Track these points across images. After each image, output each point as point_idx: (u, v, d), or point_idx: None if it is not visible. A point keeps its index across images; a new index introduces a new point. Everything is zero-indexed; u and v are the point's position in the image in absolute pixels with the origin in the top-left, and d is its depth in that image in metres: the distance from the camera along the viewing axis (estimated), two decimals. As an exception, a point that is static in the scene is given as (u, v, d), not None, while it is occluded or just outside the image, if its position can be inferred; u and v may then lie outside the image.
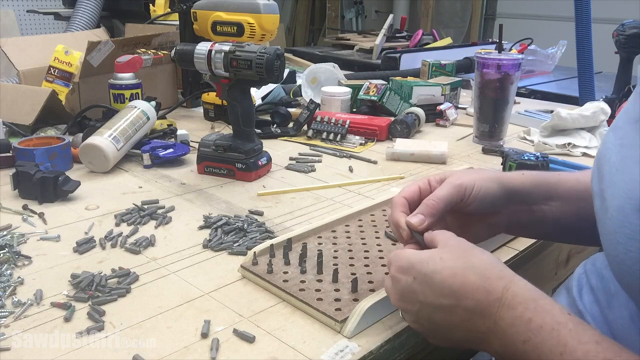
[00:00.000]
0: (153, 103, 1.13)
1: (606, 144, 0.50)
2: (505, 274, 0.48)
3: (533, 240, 0.79)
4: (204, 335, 0.56)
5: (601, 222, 0.48)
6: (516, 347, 0.45)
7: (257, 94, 1.49)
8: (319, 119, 1.25)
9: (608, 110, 1.23)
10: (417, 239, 0.56)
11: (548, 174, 0.65)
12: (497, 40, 1.29)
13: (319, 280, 0.64)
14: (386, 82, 1.48)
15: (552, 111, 1.30)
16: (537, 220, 0.64)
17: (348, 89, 1.41)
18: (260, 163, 1.01)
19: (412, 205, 0.60)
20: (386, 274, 0.56)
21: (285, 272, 0.66)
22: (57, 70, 1.36)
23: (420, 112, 1.32)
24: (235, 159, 1.00)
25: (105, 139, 1.00)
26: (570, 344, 0.43)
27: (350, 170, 1.07)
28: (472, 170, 0.63)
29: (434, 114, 1.40)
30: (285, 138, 1.26)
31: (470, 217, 0.62)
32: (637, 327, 0.49)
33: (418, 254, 0.52)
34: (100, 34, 1.64)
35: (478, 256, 0.50)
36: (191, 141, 1.15)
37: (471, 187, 0.59)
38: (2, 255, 0.69)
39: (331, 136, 1.23)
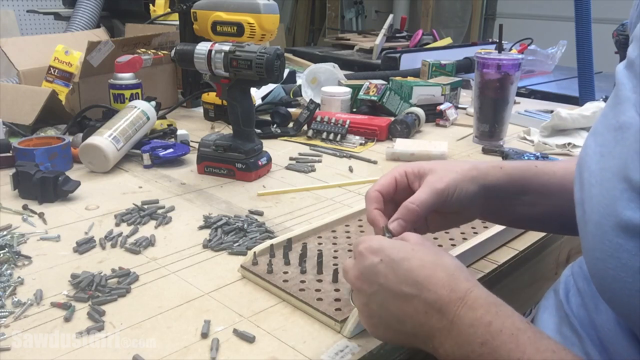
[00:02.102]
0: (153, 103, 1.13)
1: (586, 149, 0.49)
2: (471, 280, 0.48)
3: (533, 240, 0.79)
4: (204, 335, 0.56)
5: (582, 234, 0.47)
6: (472, 349, 0.45)
7: (257, 94, 1.49)
8: (319, 119, 1.25)
9: (608, 110, 1.23)
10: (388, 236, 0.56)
11: (526, 167, 0.63)
12: (497, 40, 1.29)
13: (319, 280, 0.64)
14: (386, 82, 1.48)
15: (552, 111, 1.30)
16: (509, 213, 0.64)
17: (348, 89, 1.41)
18: (260, 163, 1.01)
19: (387, 198, 0.60)
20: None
21: (285, 272, 0.66)
22: (57, 70, 1.36)
23: (420, 112, 1.32)
24: (235, 159, 1.00)
25: (105, 139, 1.00)
26: (528, 351, 0.42)
27: (350, 170, 1.07)
28: (451, 166, 0.60)
29: (434, 114, 1.40)
30: (285, 138, 1.26)
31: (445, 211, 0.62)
32: (623, 331, 0.49)
33: (390, 240, 0.52)
34: (100, 34, 1.64)
35: (449, 258, 0.51)
36: (191, 141, 1.15)
37: (453, 191, 0.58)
38: (2, 255, 0.69)
39: (331, 136, 1.23)
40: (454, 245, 0.74)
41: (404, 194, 0.60)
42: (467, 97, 1.65)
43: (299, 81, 1.62)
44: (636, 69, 0.45)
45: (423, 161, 0.61)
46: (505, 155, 1.05)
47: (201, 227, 0.80)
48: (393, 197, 0.60)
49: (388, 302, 0.49)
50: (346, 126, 1.23)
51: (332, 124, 1.24)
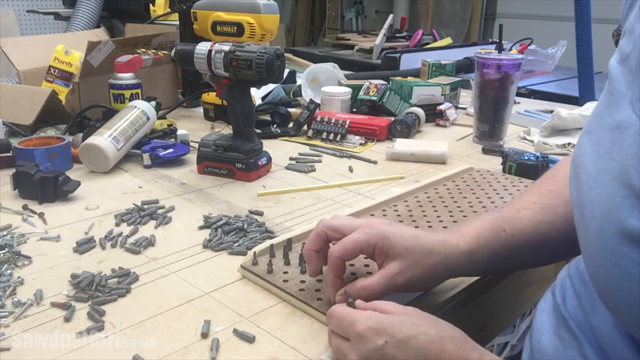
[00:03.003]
0: (153, 103, 1.13)
1: (581, 148, 0.47)
2: (478, 348, 0.48)
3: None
4: (204, 335, 0.56)
5: (582, 238, 0.46)
6: None
7: (257, 94, 1.49)
8: (319, 119, 1.25)
9: (608, 110, 1.23)
10: (349, 304, 0.54)
11: (494, 237, 0.60)
12: (497, 40, 1.29)
13: (319, 280, 0.64)
14: (386, 82, 1.48)
15: (552, 111, 1.30)
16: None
17: (348, 89, 1.41)
18: (260, 163, 1.01)
19: (349, 261, 0.58)
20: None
21: (285, 272, 0.66)
22: (57, 70, 1.36)
23: (420, 112, 1.32)
24: (235, 159, 1.00)
25: (105, 139, 1.00)
26: None
27: (350, 170, 1.07)
28: (419, 257, 0.56)
29: (434, 114, 1.40)
30: (285, 138, 1.26)
31: None
32: (621, 334, 0.48)
33: (388, 317, 0.50)
34: (100, 34, 1.64)
35: (450, 327, 0.50)
36: (191, 141, 1.15)
37: (411, 285, 0.56)
38: (2, 255, 0.69)
39: (331, 136, 1.23)
40: None
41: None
42: (467, 97, 1.65)
43: (299, 81, 1.62)
44: (631, 64, 0.43)
45: (398, 236, 0.56)
46: (505, 155, 1.05)
47: (201, 227, 0.80)
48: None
49: None
50: (346, 126, 1.23)
51: (332, 124, 1.24)
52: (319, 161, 1.12)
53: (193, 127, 1.30)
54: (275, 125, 1.28)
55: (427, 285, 0.60)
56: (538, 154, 1.04)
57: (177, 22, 1.46)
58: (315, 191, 0.96)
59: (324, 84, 1.50)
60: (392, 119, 1.29)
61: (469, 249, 0.59)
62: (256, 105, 1.38)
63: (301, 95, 1.52)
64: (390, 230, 0.57)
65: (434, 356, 0.47)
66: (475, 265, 0.60)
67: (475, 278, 0.69)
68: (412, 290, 0.59)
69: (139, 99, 1.22)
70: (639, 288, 0.38)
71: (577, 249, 0.48)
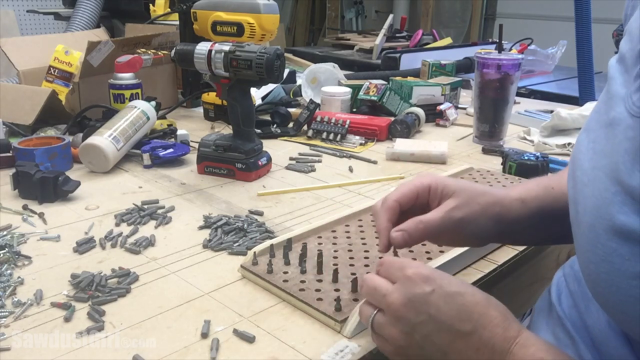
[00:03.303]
0: (153, 103, 1.13)
1: (579, 145, 0.48)
2: (519, 323, 0.48)
3: (533, 240, 0.79)
4: (204, 335, 0.56)
5: (575, 234, 0.47)
6: None
7: (257, 94, 1.49)
8: (319, 119, 1.25)
9: (608, 110, 1.23)
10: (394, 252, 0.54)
11: (544, 193, 0.60)
12: (497, 40, 1.29)
13: (319, 280, 0.64)
14: (386, 82, 1.48)
15: (552, 111, 1.30)
16: (520, 239, 0.65)
17: (348, 89, 1.41)
18: (260, 163, 1.01)
19: (404, 209, 0.57)
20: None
21: (285, 272, 0.66)
22: (57, 70, 1.36)
23: (420, 112, 1.32)
24: (235, 159, 0.99)
25: (105, 139, 1.00)
26: None
27: (350, 170, 1.07)
28: (475, 194, 0.57)
29: (434, 114, 1.40)
30: (285, 138, 1.26)
31: None
32: (614, 332, 0.48)
33: (439, 272, 0.50)
34: (100, 34, 1.64)
35: (494, 298, 0.50)
36: (191, 141, 1.15)
37: (467, 223, 0.56)
38: (2, 255, 0.69)
39: (331, 136, 1.23)
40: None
41: (419, 207, 0.58)
42: (467, 97, 1.65)
43: (299, 81, 1.62)
44: (627, 63, 0.44)
45: (450, 179, 0.58)
46: (505, 155, 1.05)
47: (201, 227, 0.80)
48: (410, 209, 0.58)
49: (436, 335, 0.47)
50: (346, 126, 1.23)
51: (332, 124, 1.24)
52: (319, 161, 1.12)
53: (193, 127, 1.30)
54: (275, 125, 1.28)
55: (481, 226, 0.57)
56: (538, 154, 1.04)
57: (177, 22, 1.46)
58: (315, 191, 0.96)
59: (324, 84, 1.50)
60: (392, 119, 1.29)
61: (521, 197, 0.59)
62: (256, 105, 1.38)
63: (301, 95, 1.52)
64: (443, 176, 0.59)
65: (477, 317, 0.46)
66: (528, 214, 0.58)
67: (476, 278, 0.69)
68: (469, 235, 0.57)
69: (139, 99, 1.22)
70: (627, 283, 0.39)
71: None
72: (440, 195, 0.57)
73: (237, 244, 0.75)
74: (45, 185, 0.87)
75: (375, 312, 0.49)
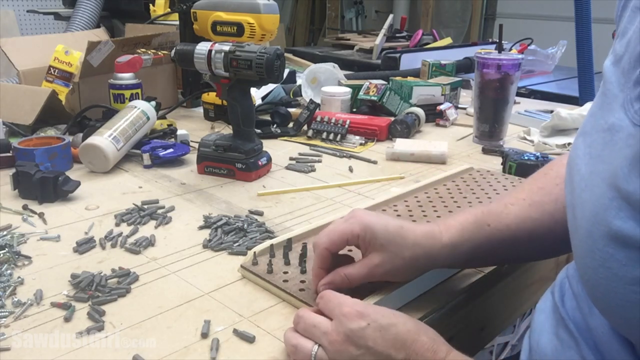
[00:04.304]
0: (153, 103, 1.13)
1: (576, 149, 0.48)
2: (448, 345, 0.51)
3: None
4: (204, 335, 0.56)
5: (573, 239, 0.47)
6: None
7: (257, 94, 1.49)
8: (319, 119, 1.25)
9: (608, 110, 1.23)
10: None
11: (477, 231, 0.61)
12: (497, 40, 1.29)
13: (319, 280, 0.64)
14: (386, 82, 1.48)
15: (552, 111, 1.30)
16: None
17: (348, 89, 1.41)
18: (260, 163, 1.01)
19: (335, 253, 0.60)
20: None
21: (285, 272, 0.66)
22: (57, 70, 1.36)
23: (420, 112, 1.32)
24: (235, 159, 1.00)
25: (105, 139, 1.00)
26: None
27: (350, 170, 1.07)
28: (401, 249, 0.58)
29: (434, 114, 1.40)
30: (285, 138, 1.26)
31: None
32: (617, 335, 0.48)
33: (373, 306, 0.54)
34: (100, 34, 1.64)
35: (424, 324, 0.53)
36: (191, 141, 1.15)
37: (390, 275, 0.59)
38: (2, 255, 0.69)
39: (331, 136, 1.23)
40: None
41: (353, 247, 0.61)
42: (467, 97, 1.65)
43: (299, 81, 1.62)
44: (623, 66, 0.43)
45: (381, 225, 0.58)
46: (505, 155, 1.05)
47: (201, 227, 0.80)
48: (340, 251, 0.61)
49: None
50: (346, 126, 1.23)
51: (332, 124, 1.24)
52: (319, 161, 1.12)
53: (193, 127, 1.30)
54: (275, 125, 1.28)
55: (407, 276, 0.61)
56: (538, 154, 1.04)
57: (177, 22, 1.46)
58: (315, 191, 0.96)
59: (324, 84, 1.50)
60: (392, 119, 1.29)
61: (452, 242, 0.60)
62: (256, 105, 1.38)
63: (301, 95, 1.52)
64: (375, 221, 0.59)
65: (410, 344, 0.50)
66: (456, 258, 0.61)
67: (476, 278, 0.69)
68: (393, 280, 0.61)
69: (139, 99, 1.22)
70: (625, 289, 0.39)
71: (564, 247, 0.50)
72: (367, 244, 0.59)
73: (237, 244, 0.75)
74: (45, 185, 0.87)
75: (317, 348, 0.52)
